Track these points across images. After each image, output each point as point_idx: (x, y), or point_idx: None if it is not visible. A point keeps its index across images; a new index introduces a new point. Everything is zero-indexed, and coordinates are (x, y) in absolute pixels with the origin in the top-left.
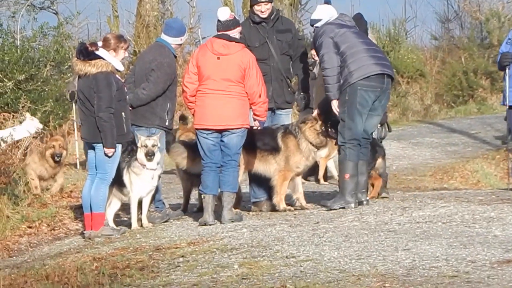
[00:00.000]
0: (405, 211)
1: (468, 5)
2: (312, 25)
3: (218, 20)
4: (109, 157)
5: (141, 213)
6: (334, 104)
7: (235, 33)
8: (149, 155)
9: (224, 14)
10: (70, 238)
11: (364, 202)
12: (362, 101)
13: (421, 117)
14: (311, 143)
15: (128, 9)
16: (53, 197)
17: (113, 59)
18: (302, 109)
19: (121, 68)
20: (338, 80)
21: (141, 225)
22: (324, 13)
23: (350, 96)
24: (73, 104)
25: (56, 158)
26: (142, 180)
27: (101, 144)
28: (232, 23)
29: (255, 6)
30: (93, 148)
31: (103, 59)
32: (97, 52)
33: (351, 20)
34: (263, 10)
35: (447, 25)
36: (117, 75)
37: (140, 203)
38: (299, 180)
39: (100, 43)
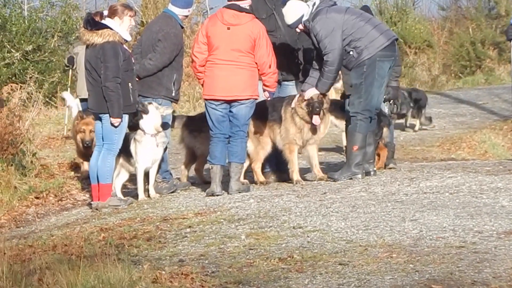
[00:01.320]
0: (413, 181)
1: None
2: (295, 27)
3: None
4: (116, 127)
5: (148, 184)
6: (313, 94)
7: (245, 4)
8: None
9: None
10: (78, 209)
11: (372, 173)
12: (381, 72)
13: (428, 87)
14: (301, 118)
15: None
16: (60, 168)
17: (120, 29)
18: (303, 80)
19: (128, 38)
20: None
21: (148, 196)
22: (299, 9)
23: (368, 68)
24: (70, 71)
25: (85, 144)
26: (146, 148)
27: (107, 115)
28: None
29: None
30: (100, 119)
31: (111, 29)
32: (104, 22)
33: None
34: None
35: None
36: (124, 45)
37: (147, 174)
38: (312, 150)
39: (105, 12)
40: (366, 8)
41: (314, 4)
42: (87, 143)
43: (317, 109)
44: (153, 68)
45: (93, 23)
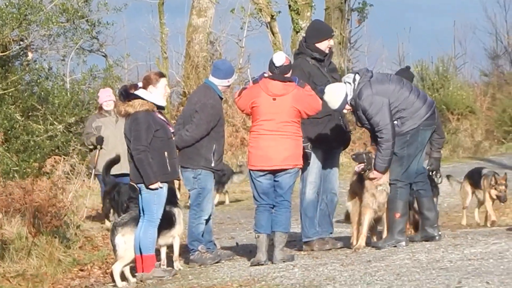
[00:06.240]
0: (457, 248)
1: None
2: (342, 110)
3: (274, 64)
4: (153, 190)
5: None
6: (378, 175)
7: (289, 74)
8: None
9: (281, 59)
10: (122, 281)
11: (437, 237)
12: (423, 140)
13: (471, 153)
14: (367, 177)
15: (177, 51)
16: (104, 240)
17: (153, 96)
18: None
19: (163, 103)
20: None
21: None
22: (341, 90)
23: (412, 137)
24: (98, 150)
25: None
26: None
27: (143, 185)
28: (288, 68)
29: (324, 42)
30: (140, 191)
31: (142, 99)
32: (136, 92)
33: (370, 70)
34: (332, 44)
35: (497, 61)
36: (158, 114)
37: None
38: (384, 216)
39: (140, 84)
40: (407, 68)
41: (355, 80)
42: None
43: (362, 160)
44: (190, 139)
45: (126, 94)
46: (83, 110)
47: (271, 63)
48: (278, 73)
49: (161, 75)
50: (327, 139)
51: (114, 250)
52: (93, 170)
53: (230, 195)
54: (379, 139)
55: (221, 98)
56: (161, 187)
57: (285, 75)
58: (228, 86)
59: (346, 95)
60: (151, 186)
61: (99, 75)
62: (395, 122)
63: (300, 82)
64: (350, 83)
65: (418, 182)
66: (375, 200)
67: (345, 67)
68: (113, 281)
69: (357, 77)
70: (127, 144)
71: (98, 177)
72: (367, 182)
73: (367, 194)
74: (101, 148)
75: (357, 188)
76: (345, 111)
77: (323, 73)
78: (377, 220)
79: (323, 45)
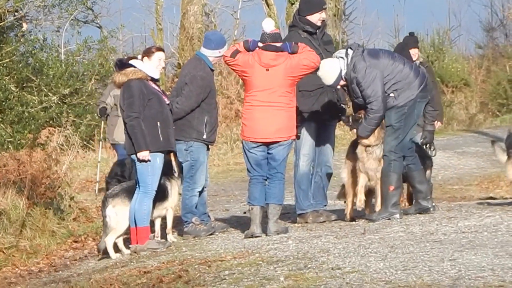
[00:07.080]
0: (451, 221)
1: None
2: (336, 85)
3: (265, 33)
4: (145, 161)
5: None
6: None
7: (280, 43)
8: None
9: (270, 25)
10: (116, 252)
11: (431, 209)
12: (419, 112)
13: (466, 126)
14: (361, 144)
15: (172, 22)
16: (98, 211)
17: (147, 67)
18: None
19: (156, 76)
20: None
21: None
22: (336, 66)
23: (409, 109)
24: (102, 121)
25: None
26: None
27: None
28: (279, 36)
29: (316, 14)
30: (135, 163)
31: (135, 67)
32: (130, 62)
33: (361, 45)
34: (324, 17)
35: (492, 33)
36: (152, 83)
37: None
38: (377, 187)
39: (139, 57)
40: (411, 34)
41: (347, 54)
42: None
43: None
44: (181, 111)
45: (120, 64)
46: (78, 82)
47: (262, 32)
48: (270, 41)
49: (159, 49)
50: (319, 112)
51: (104, 222)
52: (110, 140)
53: (224, 167)
54: (368, 110)
55: (212, 70)
56: (149, 160)
57: (277, 43)
58: (220, 57)
59: (341, 70)
60: (139, 154)
61: (94, 46)
62: (392, 94)
63: (292, 46)
64: (343, 58)
65: (407, 157)
66: (364, 165)
67: (340, 39)
68: (103, 253)
69: (350, 51)
70: (121, 115)
71: (115, 147)
72: (358, 150)
73: (359, 162)
74: (106, 119)
75: (353, 159)
76: (338, 87)
77: (315, 46)
78: (370, 192)
79: (315, 18)
